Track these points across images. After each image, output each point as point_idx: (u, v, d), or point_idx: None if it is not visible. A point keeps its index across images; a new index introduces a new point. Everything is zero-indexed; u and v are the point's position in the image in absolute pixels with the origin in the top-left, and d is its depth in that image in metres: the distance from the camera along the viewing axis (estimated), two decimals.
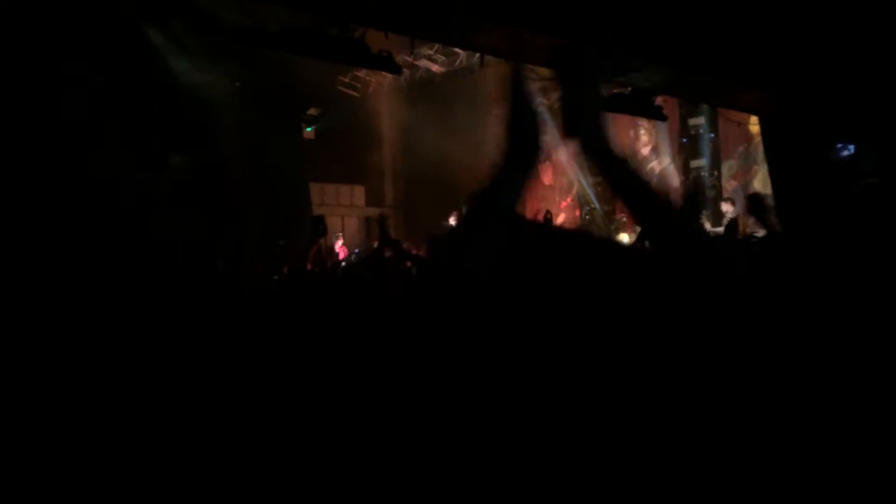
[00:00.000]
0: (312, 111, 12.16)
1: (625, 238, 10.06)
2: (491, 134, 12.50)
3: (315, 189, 13.04)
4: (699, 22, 6.42)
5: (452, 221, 8.81)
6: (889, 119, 7.28)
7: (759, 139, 12.05)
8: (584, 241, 1.02)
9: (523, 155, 1.03)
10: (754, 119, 11.71)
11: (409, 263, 4.97)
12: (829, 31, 6.63)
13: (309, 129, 12.55)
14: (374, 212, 13.48)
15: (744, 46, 6.89)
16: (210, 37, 9.12)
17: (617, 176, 1.00)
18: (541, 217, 7.85)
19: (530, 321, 0.92)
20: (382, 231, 5.31)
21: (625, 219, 13.42)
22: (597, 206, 14.39)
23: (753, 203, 4.67)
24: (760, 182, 13.16)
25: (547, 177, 14.75)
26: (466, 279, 0.98)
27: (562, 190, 15.02)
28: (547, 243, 1.00)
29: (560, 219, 14.18)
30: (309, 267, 4.59)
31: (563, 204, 15.00)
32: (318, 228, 4.56)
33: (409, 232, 12.73)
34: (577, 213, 14.76)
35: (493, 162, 1.04)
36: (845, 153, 8.27)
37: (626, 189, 0.99)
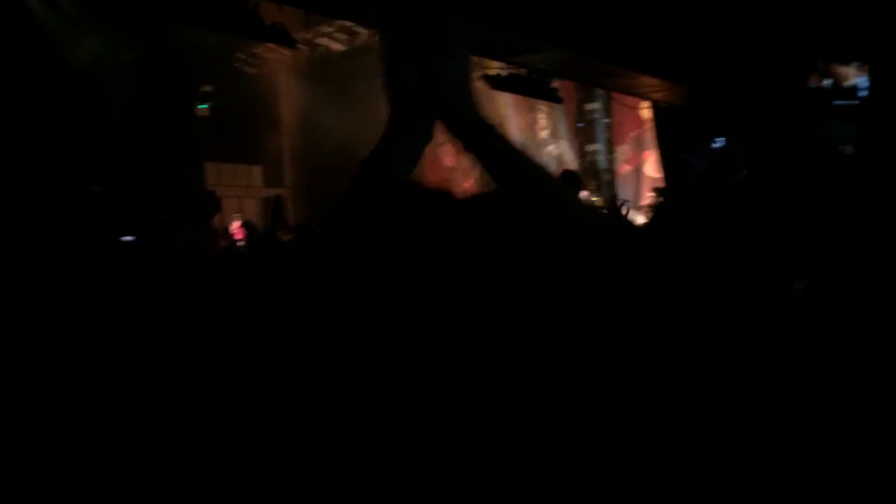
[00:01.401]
0: (207, 88, 11.76)
1: None
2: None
3: (211, 169, 12.61)
4: (597, 4, 6.58)
5: None
6: (762, 111, 7.69)
7: (650, 124, 12.51)
8: (482, 204, 0.99)
9: (410, 122, 1.01)
10: (646, 104, 12.14)
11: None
12: (722, 19, 6.93)
13: (203, 107, 12.13)
14: (272, 192, 13.20)
15: (640, 32, 7.11)
16: (97, 6, 8.68)
17: (487, 146, 0.96)
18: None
19: (410, 282, 0.90)
20: (276, 213, 5.23)
21: None
22: None
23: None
24: (651, 166, 13.67)
25: (448, 158, 14.83)
26: (350, 245, 0.96)
27: (463, 171, 15.11)
28: (441, 208, 0.98)
29: None
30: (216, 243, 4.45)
31: (466, 185, 15.12)
32: (212, 205, 4.43)
33: (309, 213, 12.55)
34: None
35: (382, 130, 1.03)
36: (717, 145, 8.74)
37: (497, 160, 0.96)
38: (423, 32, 0.94)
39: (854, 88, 8.15)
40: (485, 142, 0.95)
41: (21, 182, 6.55)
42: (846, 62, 8.04)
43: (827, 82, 8.30)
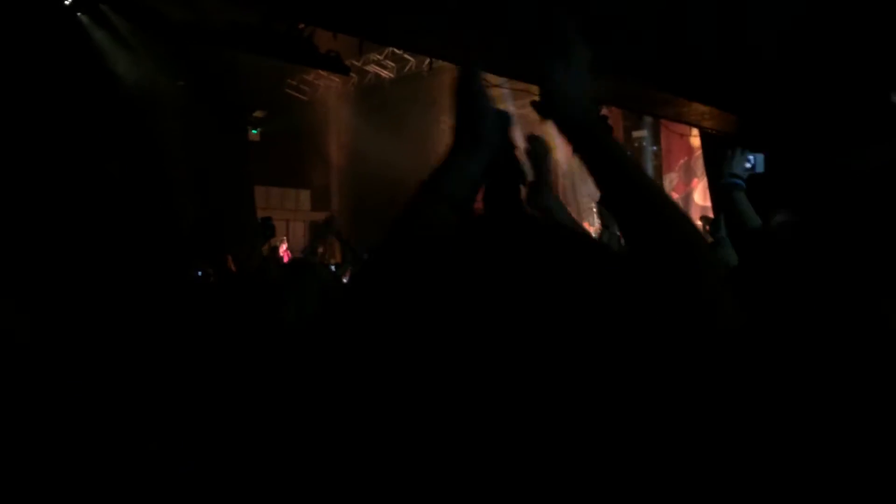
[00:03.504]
0: (258, 114, 12.00)
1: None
2: (439, 141, 12.53)
3: (260, 192, 12.86)
4: (645, 33, 6.54)
5: None
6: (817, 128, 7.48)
7: (699, 152, 12.35)
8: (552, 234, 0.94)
9: (470, 145, 1.00)
10: (696, 131, 11.99)
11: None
12: (771, 46, 6.83)
13: (255, 132, 12.38)
14: (319, 216, 13.35)
15: (688, 59, 7.04)
16: (153, 34, 8.92)
17: (600, 155, 0.94)
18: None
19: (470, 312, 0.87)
20: (325, 231, 5.25)
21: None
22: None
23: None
24: (700, 195, 13.47)
25: None
26: (404, 267, 0.94)
27: None
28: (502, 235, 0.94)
29: None
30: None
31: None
32: (267, 230, 4.49)
33: (356, 237, 12.65)
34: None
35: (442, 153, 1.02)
36: (749, 165, 8.48)
37: (609, 171, 0.94)
38: (545, 35, 0.95)
39: None
40: (596, 144, 0.93)
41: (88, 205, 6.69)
42: None
43: None
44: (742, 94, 7.82)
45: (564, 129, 0.95)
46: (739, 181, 3.04)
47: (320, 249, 6.76)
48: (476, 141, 1.00)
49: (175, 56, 9.41)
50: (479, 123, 1.00)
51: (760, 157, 3.36)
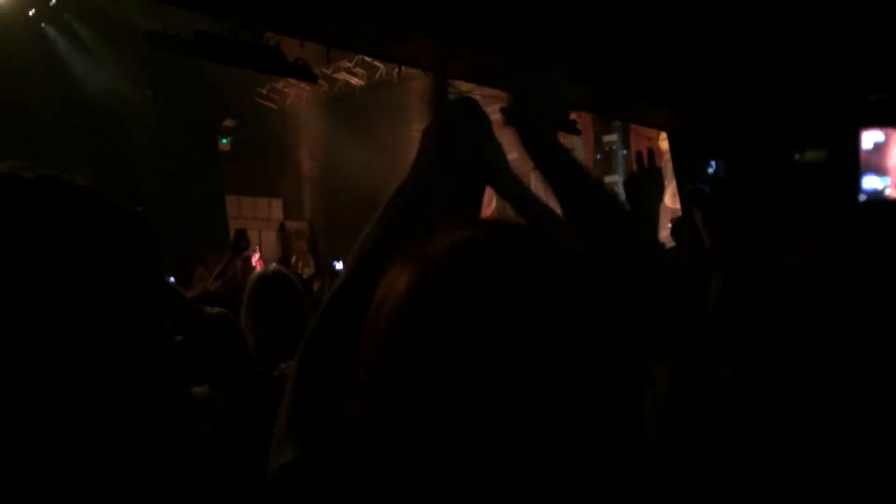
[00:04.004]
0: (228, 123, 11.94)
1: None
2: (411, 147, 12.55)
3: (231, 202, 12.78)
4: (613, 38, 6.62)
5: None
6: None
7: (669, 156, 12.47)
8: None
9: (443, 162, 1.02)
10: (664, 135, 12.11)
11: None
12: (736, 52, 6.94)
13: (225, 141, 12.31)
14: (292, 225, 13.29)
15: (654, 63, 7.13)
16: (120, 43, 8.86)
17: (568, 179, 0.95)
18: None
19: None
20: (285, 243, 5.29)
21: None
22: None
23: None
24: (670, 198, 13.60)
25: None
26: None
27: (486, 198, 15.16)
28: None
29: None
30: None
31: (487, 212, 15.17)
32: (241, 241, 4.46)
33: (328, 246, 12.63)
34: None
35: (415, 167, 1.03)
36: (711, 170, 8.61)
37: (577, 194, 0.95)
38: (519, 49, 0.95)
39: None
40: (559, 164, 0.94)
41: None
42: None
43: None
44: (704, 97, 7.94)
45: (530, 141, 0.96)
46: (703, 187, 3.21)
47: (293, 258, 6.74)
48: (447, 158, 1.00)
49: (142, 66, 9.35)
50: (452, 146, 1.00)
51: (722, 162, 3.45)
